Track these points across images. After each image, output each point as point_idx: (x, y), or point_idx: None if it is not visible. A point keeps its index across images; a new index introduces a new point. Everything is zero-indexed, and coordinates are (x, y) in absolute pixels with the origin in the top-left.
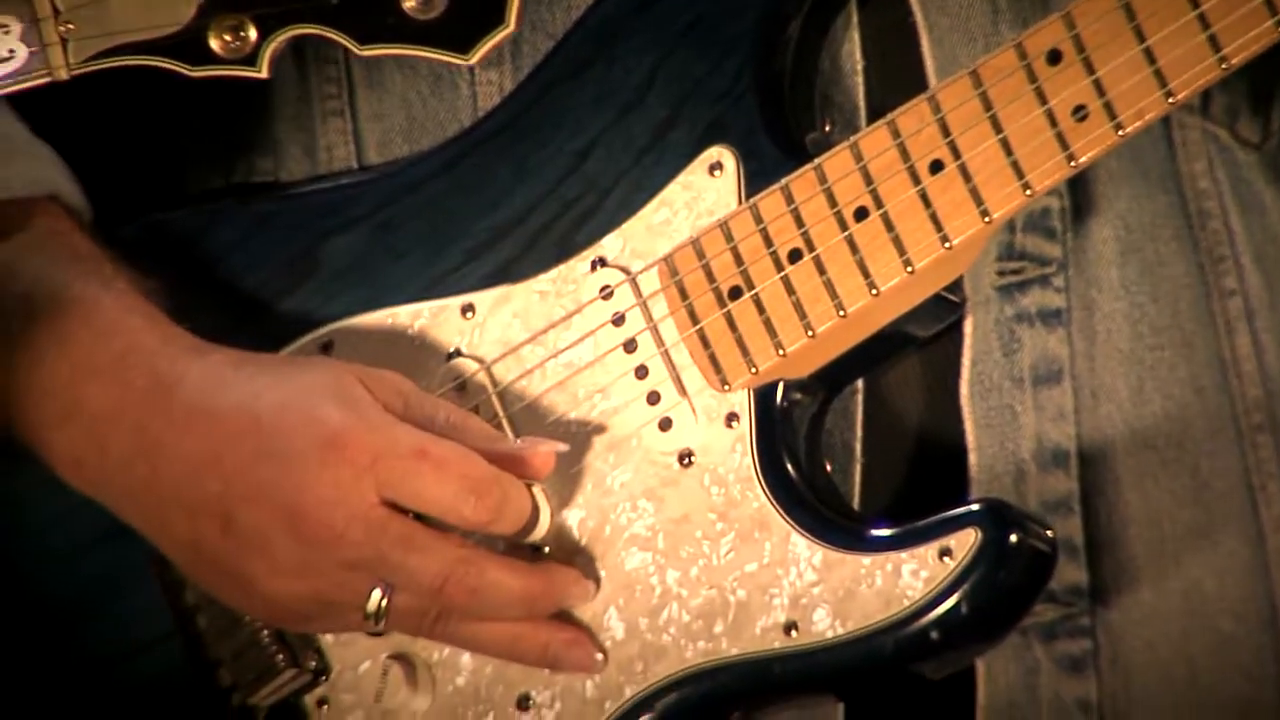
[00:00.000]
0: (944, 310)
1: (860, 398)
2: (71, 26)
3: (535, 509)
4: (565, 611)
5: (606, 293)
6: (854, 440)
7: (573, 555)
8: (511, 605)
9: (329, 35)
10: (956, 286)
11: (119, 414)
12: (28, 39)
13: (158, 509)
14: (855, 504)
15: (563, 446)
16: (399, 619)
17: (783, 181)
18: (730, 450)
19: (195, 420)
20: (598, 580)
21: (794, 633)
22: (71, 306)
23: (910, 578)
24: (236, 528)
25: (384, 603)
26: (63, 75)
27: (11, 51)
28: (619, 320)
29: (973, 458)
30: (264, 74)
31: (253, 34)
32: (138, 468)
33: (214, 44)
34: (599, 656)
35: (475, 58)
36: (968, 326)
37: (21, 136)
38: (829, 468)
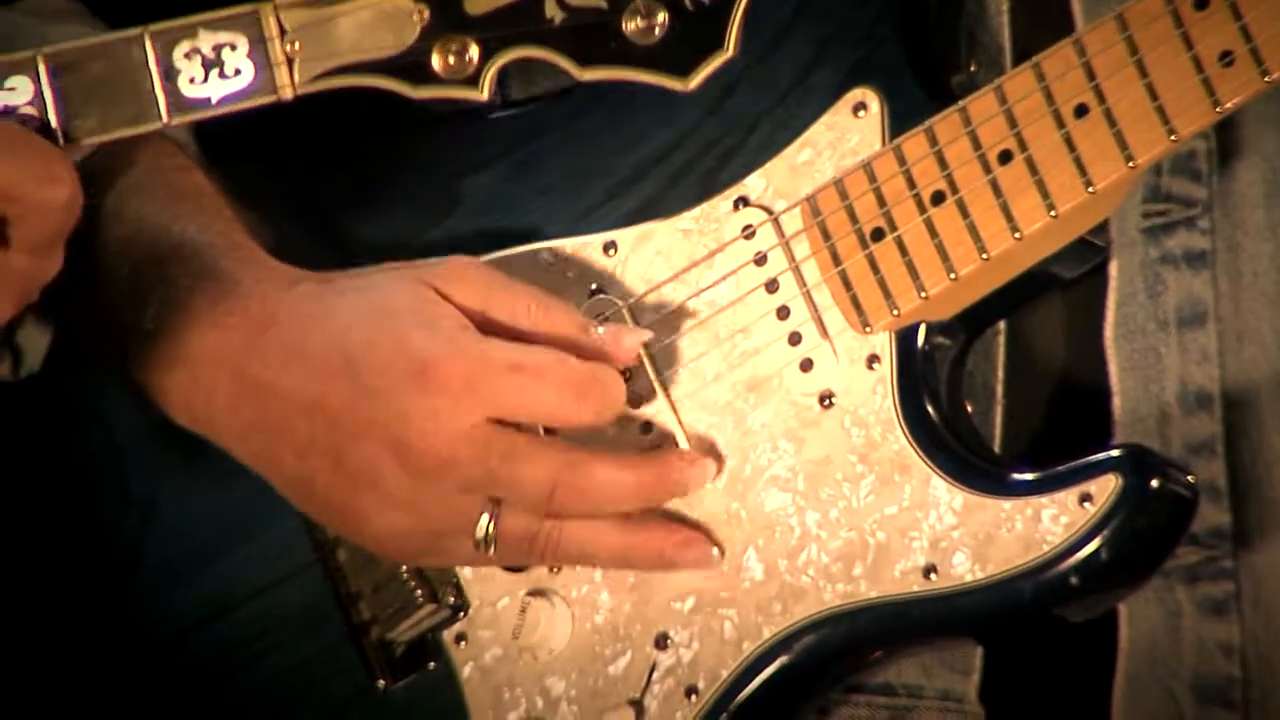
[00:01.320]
0: (1088, 253)
1: (1002, 339)
2: (298, 46)
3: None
4: (685, 518)
5: (749, 232)
6: (995, 381)
7: (712, 495)
8: (625, 499)
9: (551, 58)
10: (1101, 230)
11: (220, 358)
12: (255, 57)
13: (267, 449)
14: (996, 445)
15: (647, 334)
16: (509, 542)
17: (927, 123)
18: (871, 392)
19: (291, 363)
20: (719, 459)
21: (933, 576)
22: (171, 251)
23: (1050, 523)
24: (346, 464)
25: (491, 526)
26: (288, 95)
27: (238, 70)
28: (761, 260)
29: (1117, 400)
30: (485, 96)
31: (475, 56)
32: (244, 410)
33: (437, 65)
34: (715, 552)
35: (694, 83)
36: (1113, 269)
37: None
38: (970, 409)
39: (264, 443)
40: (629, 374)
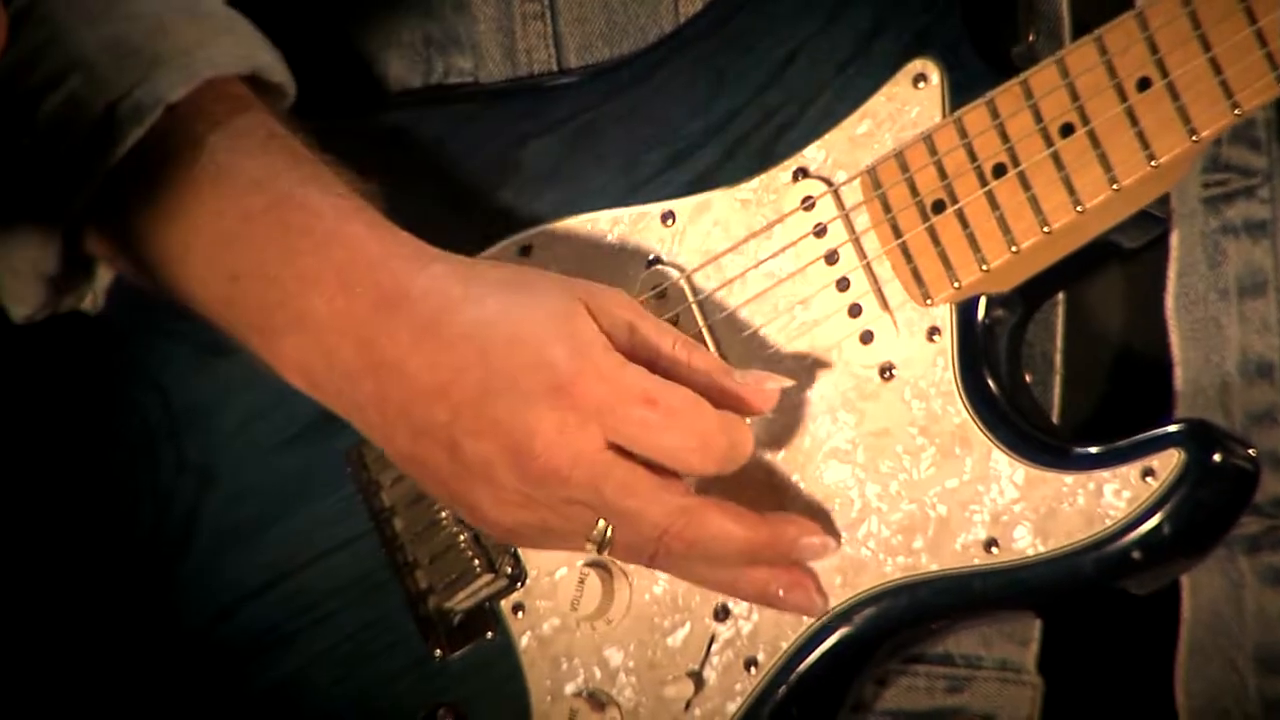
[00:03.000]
0: (1148, 225)
1: (1061, 309)
2: None
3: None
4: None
5: (808, 204)
6: (1054, 352)
7: (771, 468)
8: (732, 556)
9: None
10: (1161, 201)
11: (345, 327)
12: None
13: (383, 424)
14: (1055, 416)
15: (788, 382)
16: (620, 550)
17: (988, 95)
18: (932, 364)
19: (422, 344)
20: (837, 538)
21: (994, 550)
22: (293, 215)
23: (1113, 497)
24: (462, 456)
25: (609, 533)
26: None
27: None
28: (821, 232)
29: (1178, 371)
30: None
31: None
32: (364, 383)
33: None
34: (819, 600)
35: None
36: (1174, 239)
37: (221, 12)
38: (1029, 379)
39: (380, 418)
40: None
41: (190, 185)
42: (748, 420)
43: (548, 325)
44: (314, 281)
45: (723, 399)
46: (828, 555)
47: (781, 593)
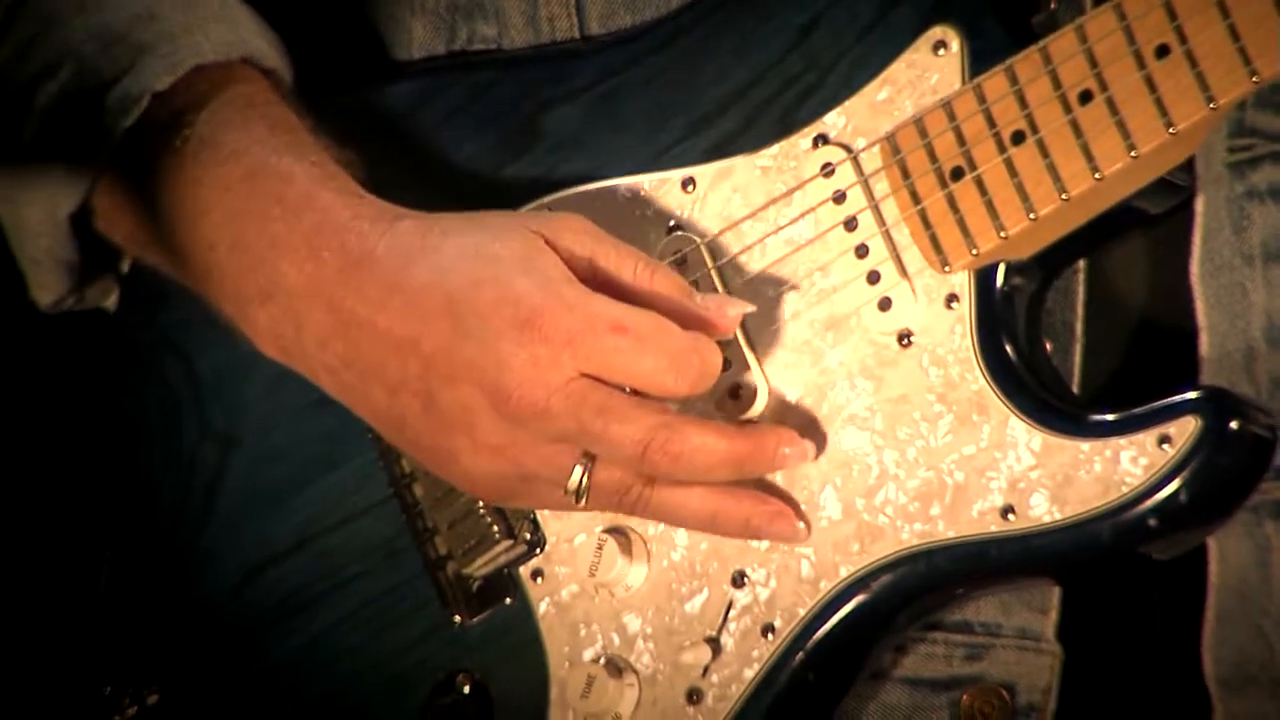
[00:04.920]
0: (1169, 193)
1: (1083, 276)
2: None
3: (752, 386)
4: (775, 484)
5: (828, 170)
6: (1075, 320)
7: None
8: (716, 468)
9: None
10: (1184, 168)
11: (314, 292)
12: None
13: (358, 384)
14: (1075, 384)
15: (750, 307)
16: (600, 494)
17: (1007, 62)
18: (950, 331)
19: (390, 299)
20: (820, 442)
21: (1011, 517)
22: (266, 183)
23: (1129, 464)
24: (438, 406)
25: (585, 479)
26: None
27: None
28: (840, 198)
29: (1203, 337)
30: None
31: None
32: (335, 345)
33: None
34: (801, 527)
35: None
36: (1199, 205)
37: (214, 0)
38: (1049, 347)
39: (355, 378)
40: None
41: (174, 161)
42: (764, 390)
43: (509, 263)
44: (284, 248)
45: (687, 321)
46: (808, 461)
47: (763, 524)
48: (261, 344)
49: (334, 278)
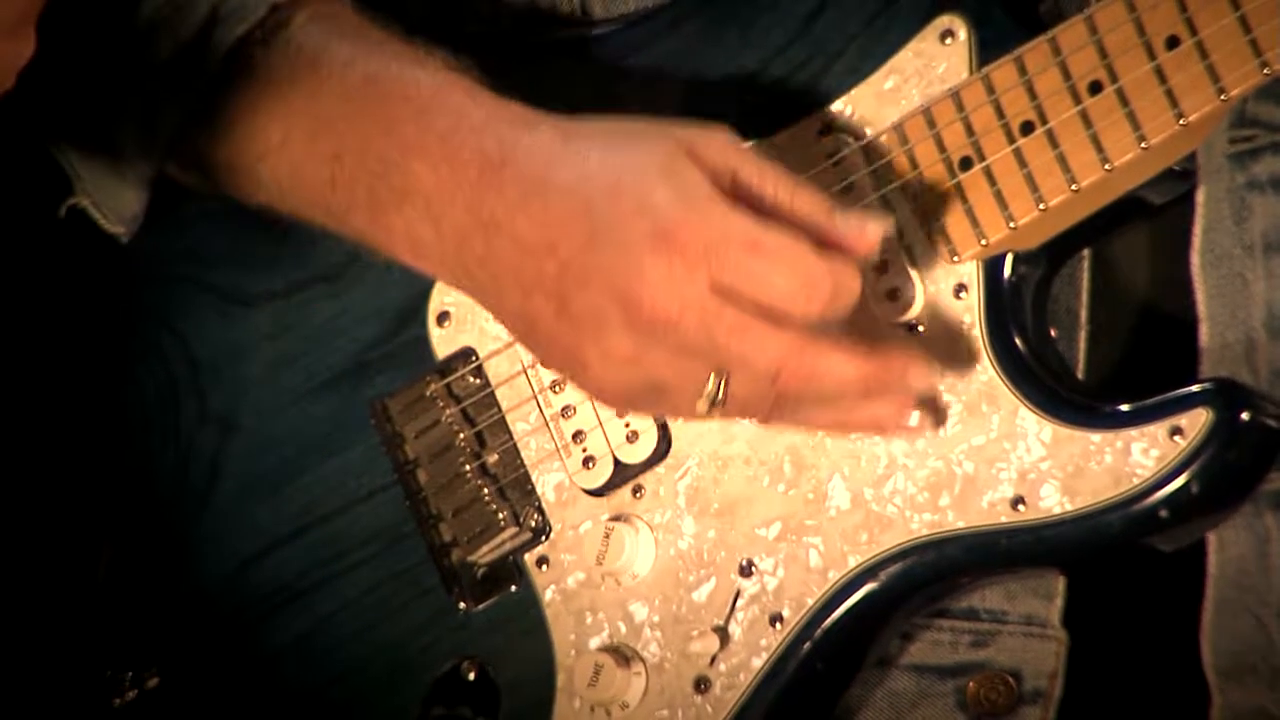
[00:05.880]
0: (1174, 183)
1: (1087, 265)
2: None
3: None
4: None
5: (835, 158)
6: (1080, 307)
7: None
8: (848, 390)
9: None
10: (1187, 157)
11: (452, 192)
12: None
13: (493, 284)
14: (1080, 371)
15: (890, 224)
16: (733, 405)
17: (1015, 52)
18: (958, 321)
19: (528, 200)
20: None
21: (1021, 507)
22: (391, 86)
23: (1140, 455)
24: (571, 310)
25: (721, 390)
26: None
27: None
28: (847, 187)
29: (1204, 327)
30: None
31: None
32: (473, 245)
33: None
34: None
35: None
36: (1200, 195)
37: None
38: (1054, 334)
39: (489, 278)
40: None
41: (287, 72)
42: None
43: (650, 173)
44: (417, 151)
45: (827, 241)
46: (932, 393)
47: (891, 425)
48: (396, 249)
49: (473, 179)
